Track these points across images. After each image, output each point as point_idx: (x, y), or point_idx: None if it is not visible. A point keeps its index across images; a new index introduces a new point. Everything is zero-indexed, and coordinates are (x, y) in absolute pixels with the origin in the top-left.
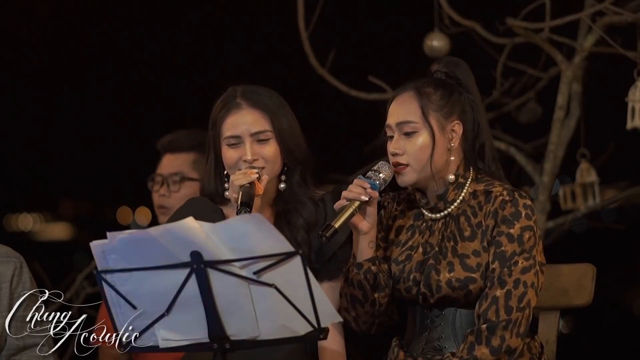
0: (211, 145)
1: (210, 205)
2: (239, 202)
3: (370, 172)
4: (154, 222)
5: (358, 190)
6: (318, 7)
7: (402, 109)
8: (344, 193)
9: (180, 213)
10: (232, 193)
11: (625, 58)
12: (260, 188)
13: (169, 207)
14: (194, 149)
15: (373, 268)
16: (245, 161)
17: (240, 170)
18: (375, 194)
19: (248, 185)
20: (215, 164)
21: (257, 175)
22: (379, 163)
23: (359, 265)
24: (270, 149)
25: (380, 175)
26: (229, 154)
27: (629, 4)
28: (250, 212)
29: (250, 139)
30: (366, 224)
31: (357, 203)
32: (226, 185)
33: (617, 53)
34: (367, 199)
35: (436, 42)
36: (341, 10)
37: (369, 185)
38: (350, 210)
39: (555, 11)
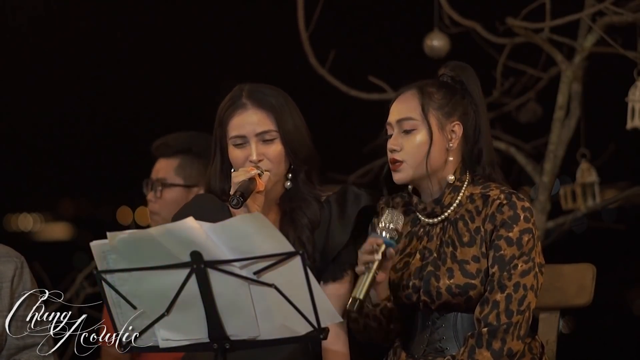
0: (217, 143)
1: (217, 202)
2: (233, 192)
3: (380, 225)
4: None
5: (371, 248)
6: (318, 7)
7: (403, 106)
8: (360, 257)
9: (186, 209)
10: (233, 190)
11: (625, 58)
12: (261, 184)
13: (155, 212)
14: (178, 153)
15: (389, 304)
16: (251, 161)
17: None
18: (392, 251)
19: (247, 180)
20: (222, 162)
21: (258, 171)
22: (386, 213)
23: (376, 305)
24: (276, 149)
25: (391, 226)
26: (235, 154)
27: (629, 4)
28: (244, 201)
29: (255, 139)
30: (383, 275)
31: (375, 265)
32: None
33: (617, 53)
34: (381, 258)
35: (436, 42)
36: (341, 10)
37: (382, 242)
38: (370, 276)
39: (555, 11)
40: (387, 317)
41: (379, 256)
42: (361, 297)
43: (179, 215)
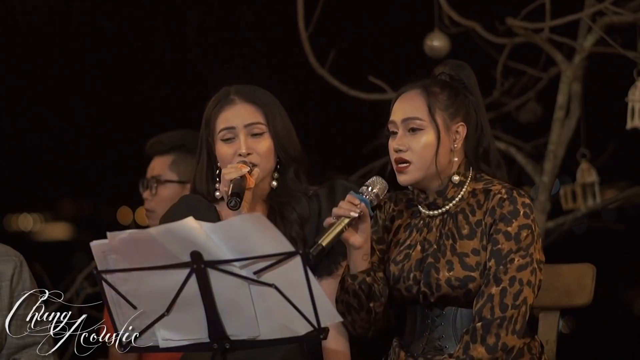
0: (203, 144)
1: (204, 202)
2: (229, 193)
3: (363, 187)
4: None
5: (347, 206)
6: (318, 7)
7: (409, 106)
8: (333, 210)
9: (174, 210)
10: (223, 187)
11: (625, 58)
12: (251, 181)
13: (152, 210)
14: (172, 150)
15: (368, 279)
16: (240, 155)
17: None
18: (366, 209)
19: (239, 178)
20: (207, 163)
21: (249, 169)
22: (372, 178)
23: (354, 277)
24: (265, 144)
25: (373, 190)
26: (223, 150)
27: (629, 4)
28: (240, 201)
29: (244, 131)
30: (359, 239)
31: (346, 220)
32: (217, 185)
33: (617, 53)
34: (356, 215)
35: (436, 42)
36: (341, 10)
37: (359, 201)
38: (339, 228)
39: (555, 11)
40: (367, 294)
41: (355, 214)
42: (323, 243)
43: (166, 217)
